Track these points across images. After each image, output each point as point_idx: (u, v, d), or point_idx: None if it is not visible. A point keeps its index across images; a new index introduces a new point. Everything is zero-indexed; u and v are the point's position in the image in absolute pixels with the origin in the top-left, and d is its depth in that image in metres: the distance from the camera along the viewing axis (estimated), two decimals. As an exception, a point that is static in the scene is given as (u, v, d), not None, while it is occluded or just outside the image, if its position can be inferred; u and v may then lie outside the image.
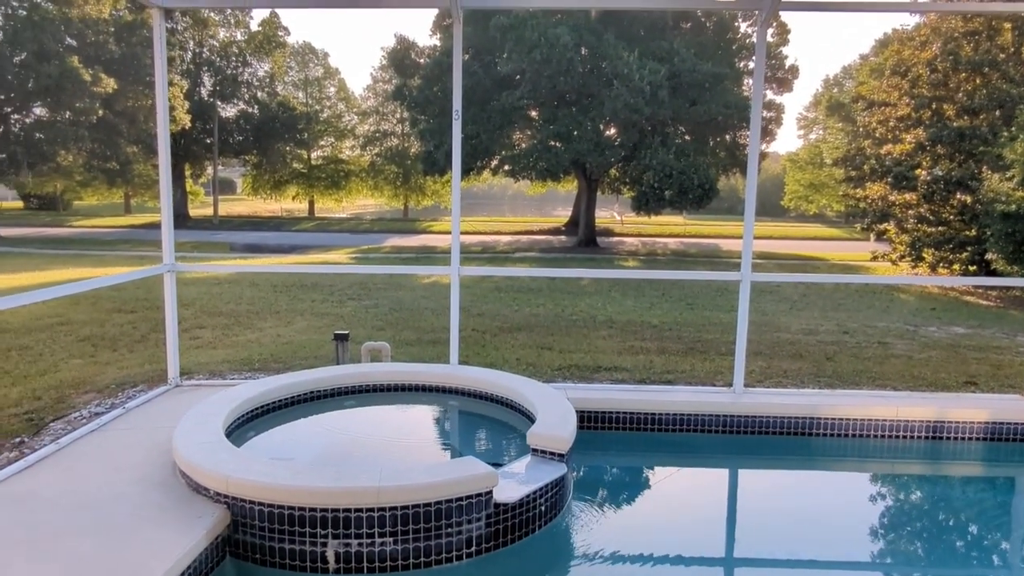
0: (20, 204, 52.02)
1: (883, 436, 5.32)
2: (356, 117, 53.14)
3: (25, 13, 26.83)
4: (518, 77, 25.36)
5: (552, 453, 4.12)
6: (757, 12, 5.32)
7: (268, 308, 10.65)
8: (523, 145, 28.15)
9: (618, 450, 5.29)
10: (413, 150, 48.56)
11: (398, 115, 50.19)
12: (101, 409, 5.38)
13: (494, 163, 29.39)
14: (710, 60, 25.84)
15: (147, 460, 4.21)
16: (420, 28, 56.52)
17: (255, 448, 4.50)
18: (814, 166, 48.16)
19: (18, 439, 4.78)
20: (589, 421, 5.31)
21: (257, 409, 4.87)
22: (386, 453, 4.67)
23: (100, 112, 28.11)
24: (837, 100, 44.94)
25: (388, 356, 6.07)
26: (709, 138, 28.36)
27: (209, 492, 3.60)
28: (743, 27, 29.44)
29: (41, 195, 47.01)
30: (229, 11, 42.72)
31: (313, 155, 50.92)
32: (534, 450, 4.18)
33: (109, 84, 27.39)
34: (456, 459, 3.85)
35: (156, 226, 37.97)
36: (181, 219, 41.33)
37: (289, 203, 54.56)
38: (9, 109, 28.69)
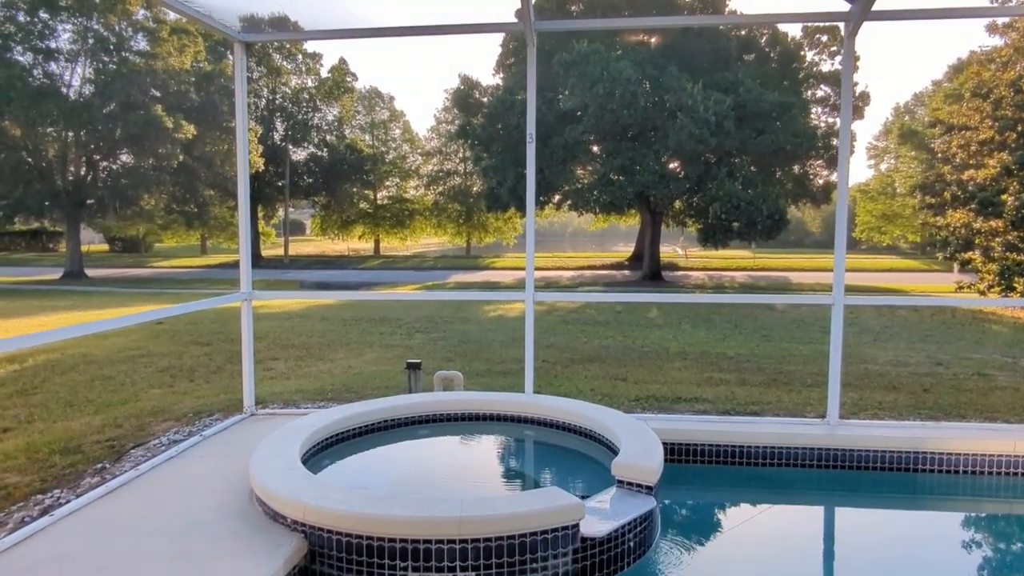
0: (106, 247, 54.80)
1: (1000, 472, 4.86)
2: (420, 157, 54.45)
3: (115, 67, 28.56)
4: (580, 112, 25.46)
5: (639, 485, 3.88)
6: (844, 24, 5.10)
7: (339, 340, 10.73)
8: (586, 179, 28.12)
9: (705, 484, 4.99)
10: (475, 188, 49.29)
11: (460, 154, 51.18)
12: (179, 436, 5.41)
13: (556, 198, 29.44)
14: (776, 90, 25.40)
15: (224, 487, 4.16)
16: (483, 68, 57.93)
17: (331, 476, 4.40)
18: (886, 196, 46.52)
19: (100, 465, 4.82)
20: (672, 453, 5.04)
21: (332, 437, 4.79)
22: (464, 483, 4.51)
23: (180, 157, 29.48)
24: (909, 127, 43.50)
25: (461, 385, 5.95)
26: (776, 168, 27.75)
27: (286, 520, 3.50)
28: (809, 55, 28.94)
29: (125, 238, 49.52)
30: (301, 59, 44.57)
31: (379, 195, 52.21)
32: (620, 482, 3.95)
33: (189, 131, 28.74)
34: (539, 489, 3.66)
35: (230, 266, 39.36)
36: (253, 259, 42.56)
37: (356, 242, 55.91)
38: (98, 156, 30.40)
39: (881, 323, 13.82)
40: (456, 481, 4.52)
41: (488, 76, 59.43)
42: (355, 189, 48.68)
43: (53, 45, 27.65)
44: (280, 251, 47.77)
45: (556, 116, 25.70)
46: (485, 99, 30.95)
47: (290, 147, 44.79)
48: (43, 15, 27.32)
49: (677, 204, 28.88)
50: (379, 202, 51.98)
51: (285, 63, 43.85)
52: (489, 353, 9.52)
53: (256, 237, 44.42)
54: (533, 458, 5.17)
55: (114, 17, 28.21)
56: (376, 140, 53.18)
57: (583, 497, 3.74)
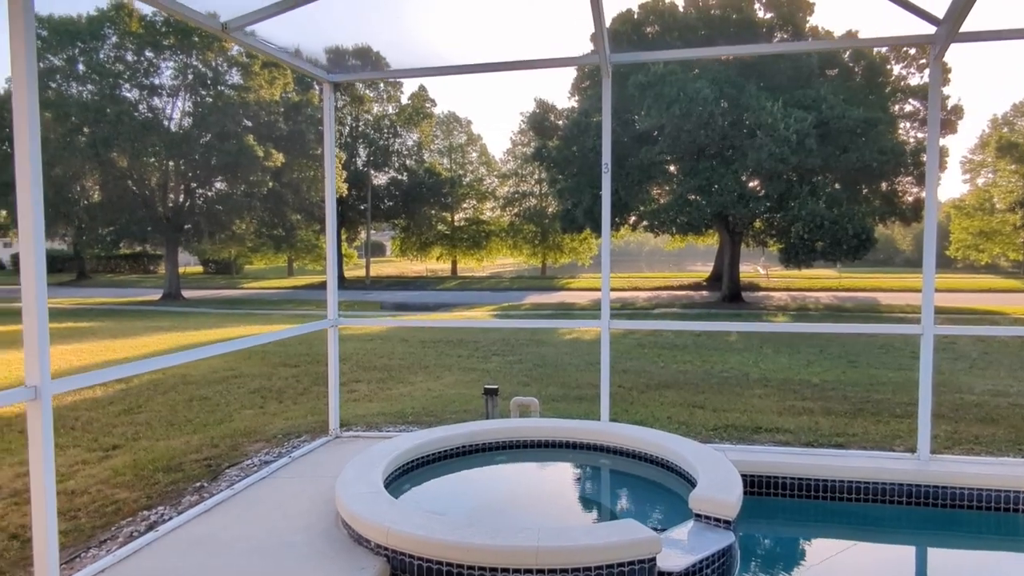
0: (200, 269, 57.83)
1: (1111, 516, 4.55)
2: (496, 179, 55.31)
3: (211, 100, 30.35)
4: (656, 133, 25.32)
5: (717, 519, 3.85)
6: (930, 46, 4.97)
7: (418, 363, 11.00)
8: (662, 200, 27.87)
9: (786, 519, 4.87)
10: (551, 209, 49.57)
11: (536, 176, 51.68)
12: (270, 457, 5.70)
13: (632, 219, 29.27)
14: (860, 105, 24.55)
15: (312, 508, 4.36)
16: (558, 91, 58.34)
17: (411, 500, 4.55)
18: (984, 212, 43.99)
19: (199, 484, 5.14)
20: (751, 486, 4.95)
21: (413, 461, 4.95)
22: (540, 512, 4.57)
23: (270, 184, 30.95)
24: (1009, 140, 41.12)
25: (537, 411, 6.03)
26: (862, 186, 26.74)
27: (370, 544, 3.65)
28: (896, 69, 27.87)
29: (218, 260, 52.19)
30: (383, 87, 46.14)
31: (456, 217, 53.20)
32: (697, 515, 3.93)
33: (278, 159, 30.17)
34: (616, 521, 3.69)
35: (314, 287, 40.86)
36: (337, 280, 44.20)
37: (433, 263, 57.06)
38: (195, 184, 32.26)
39: (979, 349, 13.09)
40: (533, 509, 4.59)
41: (563, 99, 59.79)
42: (433, 211, 49.85)
43: (157, 82, 29.65)
44: (362, 272, 49.27)
45: (632, 137, 25.65)
46: (560, 122, 31.19)
47: (372, 172, 46.29)
48: (148, 54, 29.36)
49: (757, 223, 28.21)
50: (456, 224, 52.96)
51: (368, 91, 45.48)
52: (564, 377, 9.57)
53: (339, 259, 46.00)
54: (609, 488, 5.19)
55: (211, 54, 30.02)
56: (454, 163, 54.37)
57: (660, 530, 3.74)
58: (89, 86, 28.67)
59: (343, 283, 42.95)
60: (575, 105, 30.84)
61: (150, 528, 4.21)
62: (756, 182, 26.30)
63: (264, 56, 5.31)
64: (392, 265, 64.26)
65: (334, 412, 6.08)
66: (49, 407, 3.29)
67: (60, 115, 27.11)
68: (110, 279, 48.85)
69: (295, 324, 18.99)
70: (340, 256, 46.10)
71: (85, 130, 27.77)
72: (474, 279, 48.83)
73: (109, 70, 28.57)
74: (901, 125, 27.27)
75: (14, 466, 5.84)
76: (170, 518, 4.36)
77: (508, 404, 6.23)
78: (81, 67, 28.46)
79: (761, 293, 32.65)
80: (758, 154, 23.08)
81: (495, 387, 6.15)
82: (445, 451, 5.16)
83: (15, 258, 55.51)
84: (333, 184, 6.13)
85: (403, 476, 4.83)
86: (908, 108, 28.07)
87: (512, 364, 10.82)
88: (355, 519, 3.76)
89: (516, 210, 52.92)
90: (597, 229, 28.89)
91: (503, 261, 63.52)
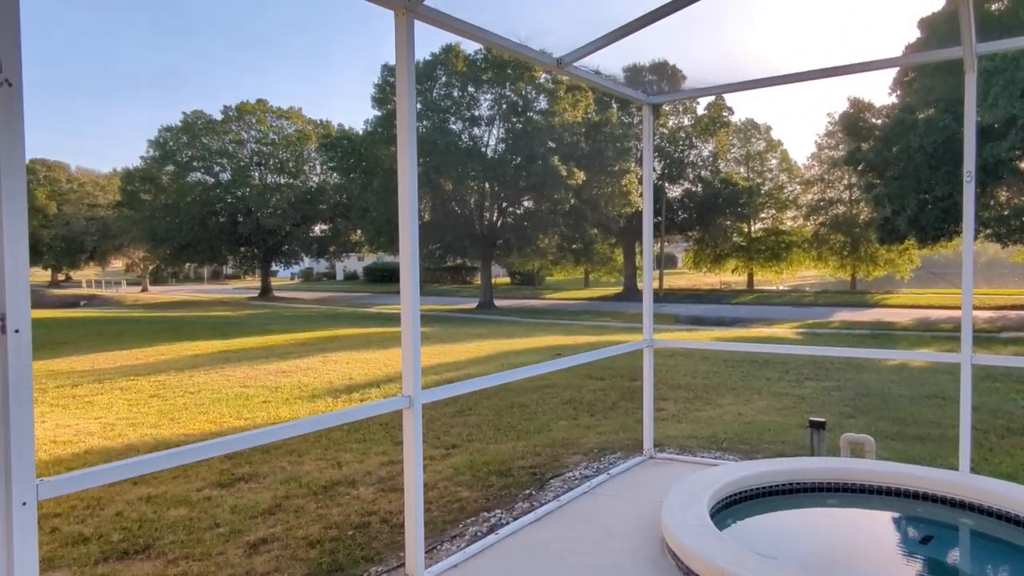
0: (508, 280, 63.03)
1: None
2: (799, 187, 51.61)
3: (521, 126, 32.95)
4: (996, 125, 21.45)
5: None
6: None
7: (723, 384, 10.65)
8: (1012, 204, 23.53)
9: None
10: (862, 217, 44.82)
11: (846, 181, 47.22)
12: (589, 472, 5.93)
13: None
14: None
15: (635, 530, 4.43)
16: (874, 89, 52.52)
17: (735, 536, 4.38)
18: None
19: (528, 491, 5.53)
20: None
21: (737, 494, 4.77)
22: (880, 569, 4.10)
23: (572, 201, 32.60)
24: None
25: (872, 452, 5.43)
26: None
27: (701, 578, 3.58)
28: None
29: (522, 272, 56.37)
30: (677, 101, 45.91)
31: (753, 228, 50.76)
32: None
33: (579, 177, 31.66)
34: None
35: (608, 299, 41.98)
36: (630, 292, 45.00)
37: (728, 275, 55.05)
38: (506, 204, 35.26)
39: None
40: (872, 565, 4.13)
41: (881, 96, 53.68)
42: (729, 222, 48.14)
43: (477, 113, 33.06)
44: (656, 284, 49.44)
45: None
46: (878, 121, 28.05)
47: (666, 185, 46.24)
48: (470, 89, 32.86)
49: None
50: (753, 235, 50.49)
51: (665, 106, 45.61)
52: (896, 411, 8.50)
53: (633, 272, 46.69)
54: (969, 554, 4.47)
55: (523, 84, 32.59)
56: (751, 172, 51.94)
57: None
58: (424, 122, 32.96)
59: (635, 294, 43.46)
60: (895, 101, 27.52)
61: (491, 530, 4.63)
62: None
63: (589, 85, 5.61)
64: (684, 277, 63.41)
65: (648, 432, 6.13)
66: (419, 414, 3.80)
67: (402, 149, 31.64)
68: (435, 288, 55.48)
69: (594, 336, 19.68)
70: (634, 262, 46.78)
71: (421, 160, 31.99)
72: (772, 293, 46.03)
73: (440, 106, 32.59)
74: None
75: (378, 455, 6.87)
76: (506, 523, 4.75)
77: (836, 439, 5.71)
78: (419, 106, 32.87)
79: None
80: None
81: (822, 420, 5.68)
82: (769, 487, 4.89)
83: (368, 270, 65.94)
84: (651, 203, 6.19)
85: (725, 509, 4.67)
86: None
87: (829, 391, 9.93)
88: (685, 552, 3.72)
89: (821, 219, 48.77)
90: (924, 239, 25.37)
91: (804, 274, 58.83)
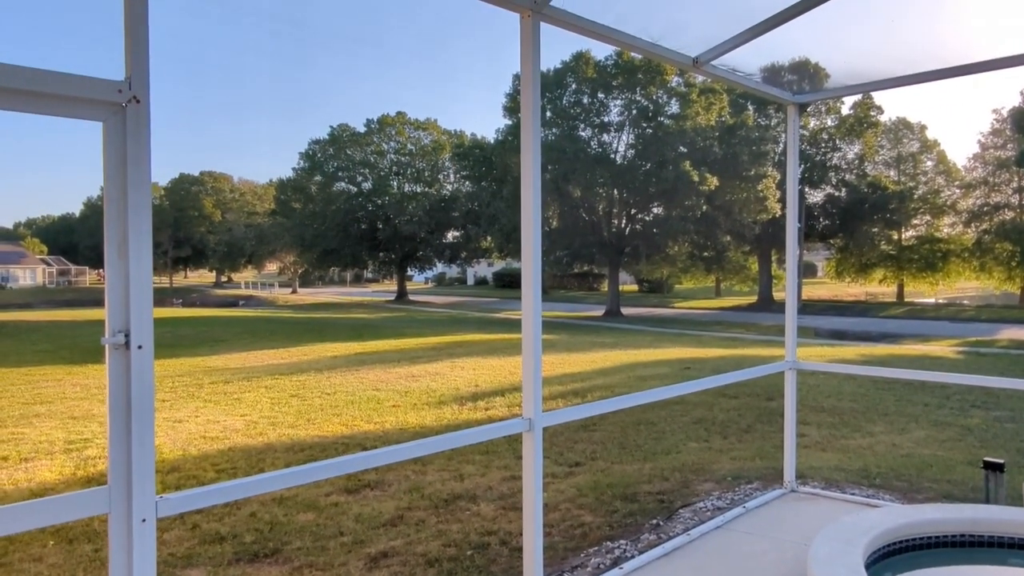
0: (635, 287, 61.91)
1: None
2: (958, 191, 47.05)
3: (651, 131, 32.21)
4: None
5: None
6: None
7: (873, 407, 9.72)
8: None
9: None
10: (1038, 223, 40.36)
11: (1014, 184, 42.68)
12: (722, 503, 5.49)
13: None
14: None
15: (775, 574, 4.00)
16: (1050, 78, 47.00)
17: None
18: None
19: (655, 520, 5.19)
20: None
21: (896, 543, 4.21)
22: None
23: (703, 207, 31.44)
24: None
25: (1067, 504, 4.64)
26: None
27: (856, 643, 3.13)
28: None
29: (651, 279, 55.17)
30: (821, 101, 43.22)
31: (904, 235, 46.86)
32: None
33: (712, 182, 30.48)
34: None
35: (741, 309, 40.15)
36: (766, 302, 42.80)
37: (874, 286, 51.13)
38: (635, 211, 34.60)
39: None
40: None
41: (1062, 85, 48.19)
42: (876, 229, 44.64)
43: (606, 119, 32.68)
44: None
45: None
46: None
47: (807, 189, 43.62)
48: (600, 95, 32.54)
49: None
50: (904, 242, 46.59)
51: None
52: (1089, 451, 7.36)
53: (769, 280, 44.41)
54: None
55: (654, 88, 31.87)
56: (903, 175, 47.95)
57: None
58: (554, 129, 32.99)
59: (772, 305, 41.26)
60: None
61: (614, 563, 4.35)
62: None
63: (730, 84, 5.20)
64: (824, 287, 59.58)
65: (790, 462, 5.59)
66: (540, 437, 3.61)
67: (531, 156, 31.88)
68: (563, 294, 55.46)
69: (727, 348, 18.77)
70: (770, 271, 44.50)
71: (549, 167, 32.00)
72: (926, 307, 42.25)
73: (569, 113, 32.51)
74: None
75: (500, 469, 6.75)
76: (631, 556, 4.45)
77: (1017, 484, 4.95)
78: (548, 114, 32.94)
79: None
80: None
81: (1000, 461, 4.93)
82: (936, 537, 4.28)
83: (496, 275, 67.10)
84: (795, 210, 5.68)
85: (883, 560, 4.13)
86: None
87: (1002, 423, 8.79)
88: (836, 610, 3.28)
89: (985, 225, 44.17)
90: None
91: (962, 285, 53.51)
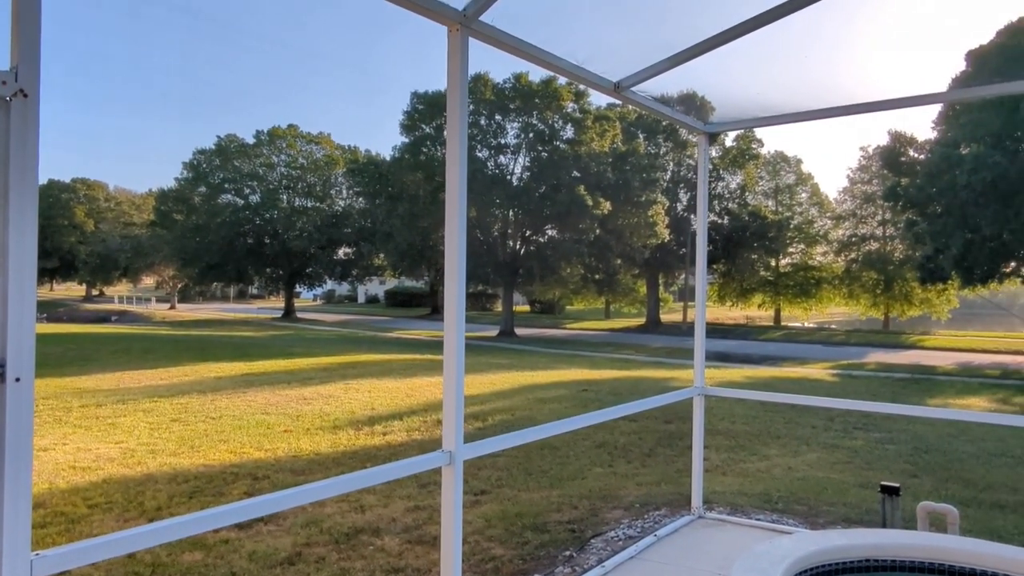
0: (527, 308, 62.54)
1: None
2: (829, 221, 50.78)
3: (547, 155, 32.74)
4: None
5: None
6: None
7: (765, 431, 10.08)
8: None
9: None
10: (897, 254, 43.99)
11: (879, 217, 46.47)
12: (633, 532, 5.43)
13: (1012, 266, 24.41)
14: None
15: (695, 610, 3.94)
16: (916, 123, 51.57)
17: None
18: None
19: (568, 551, 5.05)
20: None
21: (809, 570, 4.25)
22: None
23: (596, 231, 32.19)
24: None
25: (956, 526, 4.87)
26: None
27: None
28: None
29: (542, 300, 55.90)
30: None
31: (781, 262, 49.96)
32: None
33: (605, 206, 31.28)
34: None
35: (630, 331, 41.33)
36: (653, 324, 44.31)
37: (753, 311, 54.12)
38: (530, 232, 34.95)
39: None
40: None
41: (923, 130, 52.93)
42: (756, 256, 47.37)
43: (503, 141, 32.92)
44: (676, 316, 48.69)
45: (1021, 171, 21.40)
46: (920, 156, 27.47)
47: (691, 217, 45.70)
48: (497, 118, 32.78)
49: None
50: (781, 269, 49.66)
51: (691, 137, 45.28)
52: (963, 472, 7.88)
53: (655, 303, 46.02)
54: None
55: (550, 112, 32.45)
56: (780, 205, 51.23)
57: None
58: (450, 148, 32.89)
59: (659, 327, 42.76)
60: (936, 135, 26.93)
61: (533, 601, 4.15)
62: None
63: (644, 110, 5.26)
64: (709, 311, 62.54)
65: (697, 489, 5.62)
66: (460, 470, 3.41)
67: (428, 175, 31.54)
68: (455, 315, 55.01)
69: (620, 370, 19.06)
70: (657, 294, 46.13)
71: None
72: (801, 331, 45.05)
73: (467, 134, 32.52)
74: None
75: (403, 499, 6.42)
76: (549, 592, 4.27)
77: (907, 504, 5.17)
78: (446, 133, 32.84)
79: None
80: None
81: (895, 485, 5.13)
82: (844, 563, 4.36)
83: (388, 293, 65.87)
84: (704, 236, 5.78)
85: (796, 587, 4.15)
86: None
87: (883, 444, 9.32)
88: (763, 646, 3.22)
89: (853, 255, 47.86)
90: (970, 279, 24.58)
91: (832, 311, 57.58)
